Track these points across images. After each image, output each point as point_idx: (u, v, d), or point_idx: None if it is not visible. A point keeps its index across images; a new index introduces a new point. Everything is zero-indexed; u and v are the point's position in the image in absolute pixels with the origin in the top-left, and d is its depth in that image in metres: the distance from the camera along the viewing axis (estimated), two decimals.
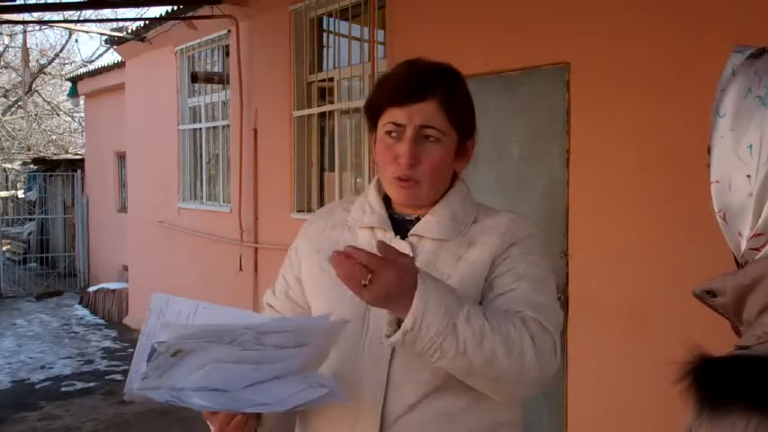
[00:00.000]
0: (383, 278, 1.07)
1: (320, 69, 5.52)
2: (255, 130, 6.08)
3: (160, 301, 1.14)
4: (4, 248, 13.94)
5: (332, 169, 5.37)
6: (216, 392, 1.10)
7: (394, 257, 1.10)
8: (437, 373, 1.24)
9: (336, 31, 5.38)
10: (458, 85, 1.34)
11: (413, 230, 1.34)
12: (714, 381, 0.63)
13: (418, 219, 1.35)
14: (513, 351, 1.15)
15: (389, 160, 1.30)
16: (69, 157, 14.84)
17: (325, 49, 5.57)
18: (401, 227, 1.36)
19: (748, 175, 0.73)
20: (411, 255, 1.30)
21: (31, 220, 14.98)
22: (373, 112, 1.35)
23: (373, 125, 1.36)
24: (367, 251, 1.09)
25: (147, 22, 7.92)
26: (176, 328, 1.07)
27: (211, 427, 1.22)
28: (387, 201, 1.39)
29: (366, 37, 4.90)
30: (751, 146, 0.72)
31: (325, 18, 5.44)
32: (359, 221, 1.38)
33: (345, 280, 1.08)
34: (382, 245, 1.11)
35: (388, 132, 1.30)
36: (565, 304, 3.36)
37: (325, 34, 5.56)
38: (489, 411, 1.28)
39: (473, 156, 1.40)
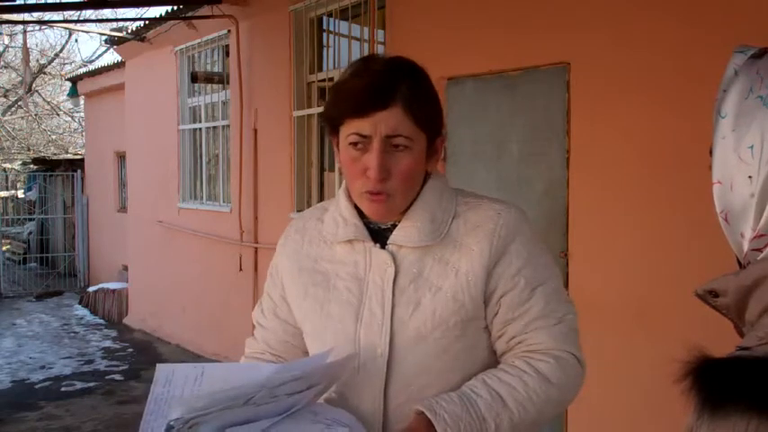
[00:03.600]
0: None
1: (320, 69, 5.52)
2: (255, 130, 6.08)
3: (165, 371, 1.11)
4: (4, 248, 13.94)
5: (332, 169, 5.37)
6: None
7: None
8: (436, 393, 1.22)
9: (336, 31, 5.38)
10: (421, 84, 1.23)
11: (391, 239, 1.27)
12: (715, 382, 0.63)
13: (394, 225, 1.28)
14: (545, 413, 1.22)
15: (357, 173, 1.22)
16: (69, 157, 14.84)
17: (325, 49, 5.57)
18: (378, 236, 1.29)
19: (750, 176, 0.72)
20: (393, 266, 1.25)
21: (31, 220, 14.98)
22: (334, 123, 1.25)
23: (334, 132, 1.27)
24: None
25: (146, 22, 7.92)
26: (189, 401, 1.04)
27: None
28: (359, 208, 1.30)
29: (366, 37, 4.90)
30: (752, 146, 0.72)
31: (325, 18, 5.44)
32: (334, 236, 1.30)
33: None
34: None
35: (353, 144, 1.21)
36: None
37: (325, 34, 5.56)
38: None
39: (443, 151, 1.31)
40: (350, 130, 1.21)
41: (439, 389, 1.21)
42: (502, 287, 1.24)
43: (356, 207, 1.30)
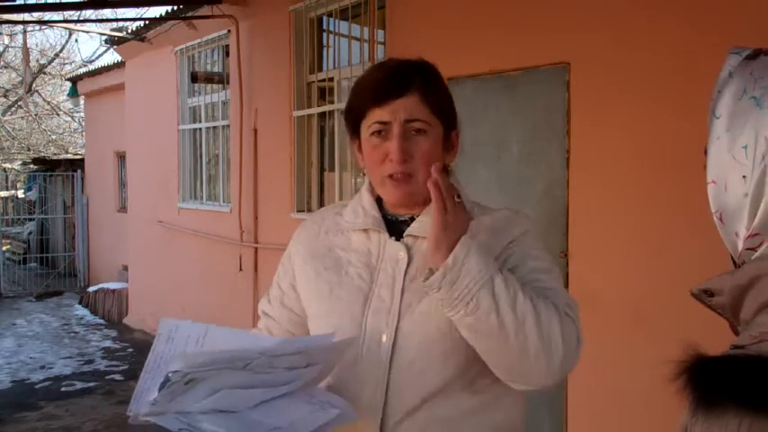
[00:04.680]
0: (463, 210, 1.18)
1: (320, 69, 5.52)
2: (255, 130, 6.08)
3: (168, 326, 1.13)
4: (4, 248, 13.94)
5: (332, 169, 5.37)
6: (225, 414, 1.09)
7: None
8: (437, 377, 1.23)
9: (336, 31, 5.38)
10: (435, 77, 1.32)
11: (408, 231, 1.32)
12: (709, 380, 0.63)
13: (413, 219, 1.33)
14: (543, 325, 1.14)
15: (379, 160, 1.28)
16: (69, 157, 14.84)
17: (325, 49, 5.57)
18: (395, 228, 1.34)
19: (744, 176, 0.73)
20: (406, 256, 1.30)
21: (31, 220, 14.98)
22: (355, 115, 1.32)
23: (355, 130, 1.33)
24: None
25: (147, 22, 7.93)
26: (190, 356, 1.05)
27: None
28: (379, 202, 1.37)
29: (366, 37, 4.90)
30: (746, 146, 0.73)
31: (325, 18, 5.44)
32: (352, 224, 1.36)
33: (446, 191, 1.16)
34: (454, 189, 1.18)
35: (376, 132, 1.28)
36: None
37: (325, 34, 5.57)
38: (491, 416, 1.27)
39: (459, 146, 1.37)
40: (371, 120, 1.29)
41: (438, 372, 1.23)
42: (509, 265, 1.26)
43: (377, 201, 1.36)
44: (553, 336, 1.15)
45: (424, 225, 1.28)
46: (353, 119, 1.33)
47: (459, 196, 1.18)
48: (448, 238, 1.16)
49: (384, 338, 1.26)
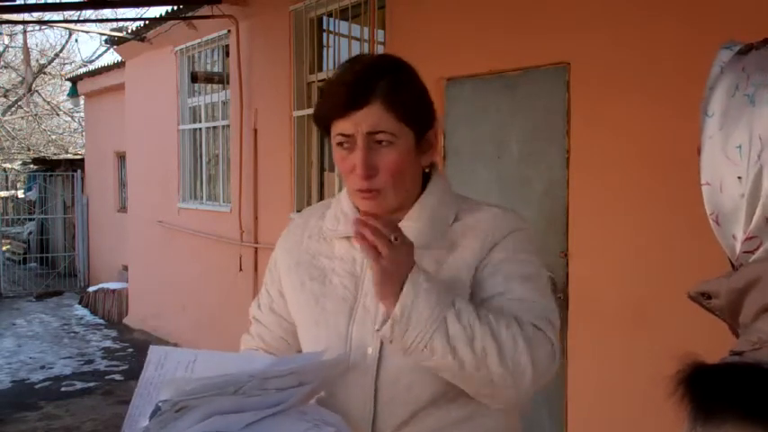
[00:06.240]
0: (403, 249, 1.11)
1: (320, 69, 5.52)
2: (255, 130, 6.08)
3: (158, 353, 1.12)
4: (4, 248, 13.94)
5: (332, 169, 5.37)
6: None
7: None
8: (425, 391, 1.21)
9: (336, 31, 5.38)
10: (402, 80, 1.23)
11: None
12: (706, 390, 0.62)
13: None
14: (506, 355, 1.10)
15: (347, 171, 1.24)
16: (69, 157, 14.85)
17: (325, 49, 5.57)
18: None
19: (739, 177, 0.70)
20: None
21: (31, 220, 14.98)
22: (322, 124, 1.28)
23: (327, 133, 1.29)
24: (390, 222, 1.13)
25: (147, 22, 7.93)
26: (179, 383, 1.04)
27: None
28: None
29: (366, 37, 4.90)
30: (740, 146, 0.70)
31: (325, 18, 5.44)
32: (334, 231, 1.32)
33: (375, 236, 1.09)
34: (395, 227, 1.12)
35: (340, 144, 1.23)
36: (565, 304, 3.36)
37: (325, 34, 5.56)
38: (483, 424, 1.25)
39: (439, 144, 1.33)
40: (336, 131, 1.23)
41: (426, 386, 1.21)
42: (485, 272, 1.23)
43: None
44: (520, 361, 1.11)
45: (408, 231, 1.22)
46: (323, 127, 1.29)
47: (396, 238, 1.11)
48: (392, 284, 1.10)
49: (370, 351, 1.23)
